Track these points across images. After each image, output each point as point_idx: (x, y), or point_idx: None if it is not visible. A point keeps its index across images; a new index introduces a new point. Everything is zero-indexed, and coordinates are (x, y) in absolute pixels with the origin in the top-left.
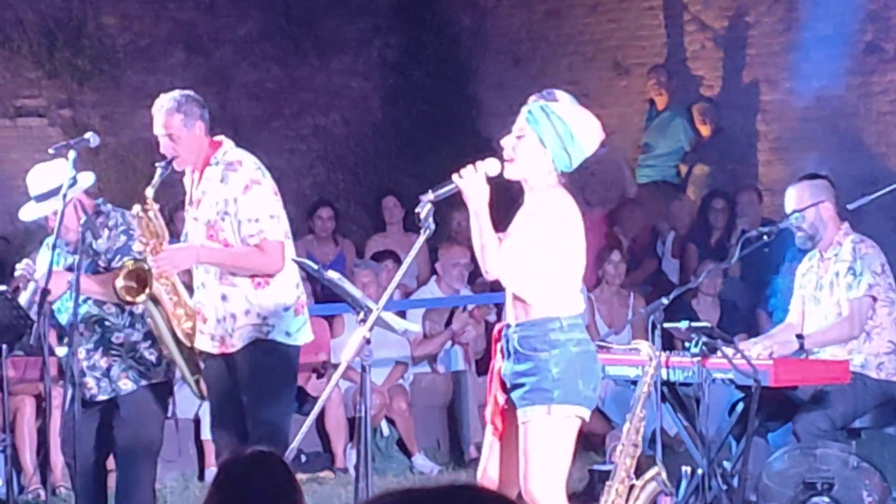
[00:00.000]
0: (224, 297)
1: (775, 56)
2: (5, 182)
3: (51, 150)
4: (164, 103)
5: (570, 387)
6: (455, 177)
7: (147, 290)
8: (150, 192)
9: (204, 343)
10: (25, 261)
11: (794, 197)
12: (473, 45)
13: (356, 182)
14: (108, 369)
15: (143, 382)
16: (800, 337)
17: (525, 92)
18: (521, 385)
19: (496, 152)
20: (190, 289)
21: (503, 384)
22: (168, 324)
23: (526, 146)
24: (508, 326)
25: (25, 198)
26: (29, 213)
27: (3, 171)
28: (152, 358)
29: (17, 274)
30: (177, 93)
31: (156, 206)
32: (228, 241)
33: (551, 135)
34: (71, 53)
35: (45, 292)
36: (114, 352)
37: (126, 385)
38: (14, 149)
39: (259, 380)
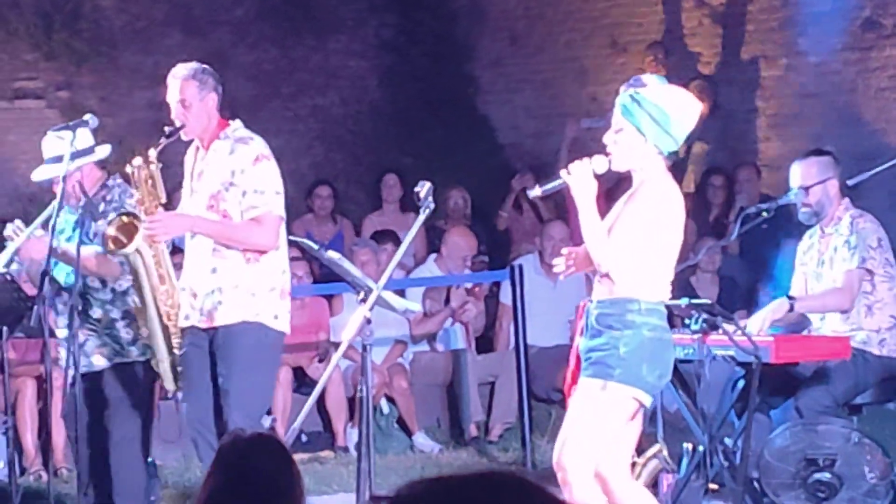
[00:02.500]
0: (214, 270)
1: (773, 32)
2: (4, 164)
3: (49, 133)
4: (180, 71)
5: (633, 369)
6: (563, 172)
7: (134, 242)
8: (153, 152)
9: (192, 317)
10: (17, 221)
11: (799, 173)
12: (470, 24)
13: (354, 161)
14: (83, 344)
15: (117, 360)
16: (791, 298)
17: (523, 70)
18: (589, 359)
19: (493, 131)
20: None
21: (579, 361)
22: (153, 294)
23: (625, 138)
24: (591, 302)
25: (24, 179)
26: (39, 173)
27: (2, 153)
28: (128, 337)
29: (5, 233)
30: (194, 63)
31: (158, 165)
32: (228, 213)
33: (648, 122)
34: (68, 35)
35: (45, 274)
36: (90, 326)
37: (99, 361)
38: (12, 131)
39: (242, 361)
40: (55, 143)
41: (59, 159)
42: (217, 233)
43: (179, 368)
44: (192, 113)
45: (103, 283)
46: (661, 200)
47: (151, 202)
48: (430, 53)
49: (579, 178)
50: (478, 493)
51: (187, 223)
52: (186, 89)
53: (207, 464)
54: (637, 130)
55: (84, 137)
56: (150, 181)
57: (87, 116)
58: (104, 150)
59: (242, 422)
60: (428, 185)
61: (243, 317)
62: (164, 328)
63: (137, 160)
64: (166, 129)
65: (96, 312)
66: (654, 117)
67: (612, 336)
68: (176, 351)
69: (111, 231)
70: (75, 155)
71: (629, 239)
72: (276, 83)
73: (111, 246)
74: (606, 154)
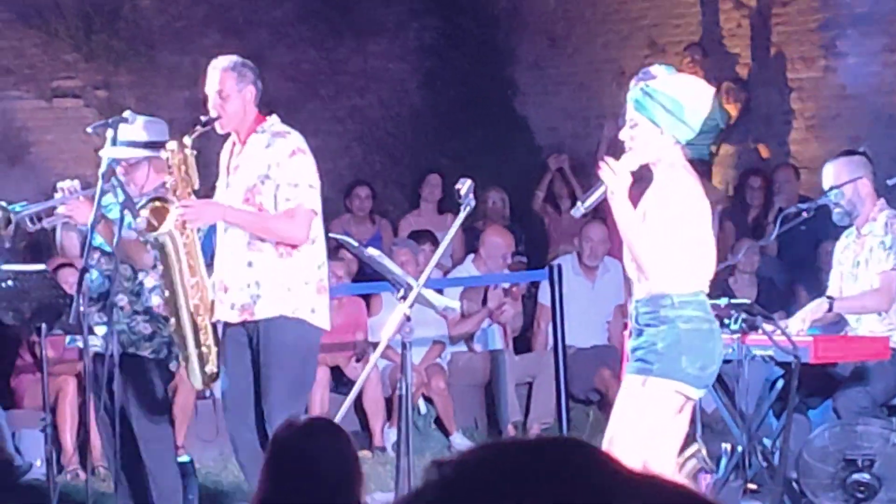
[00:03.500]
0: (250, 264)
1: (812, 34)
2: (42, 163)
3: (89, 129)
4: (220, 62)
5: (671, 362)
6: (600, 173)
7: (166, 223)
8: (188, 139)
9: (224, 312)
10: (75, 182)
11: (831, 173)
12: (510, 26)
13: (393, 163)
14: (103, 326)
15: (130, 350)
16: (830, 298)
17: (562, 72)
18: (634, 357)
19: (532, 132)
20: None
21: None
22: (182, 284)
23: (641, 132)
24: (634, 301)
25: (62, 178)
26: (112, 151)
27: (40, 152)
28: (145, 332)
29: (59, 185)
30: (232, 56)
31: (193, 152)
32: (263, 207)
33: (662, 113)
34: (107, 35)
35: (84, 271)
36: (113, 313)
37: (111, 348)
38: (50, 130)
39: (278, 358)
40: (139, 128)
41: (136, 144)
42: (249, 223)
43: (210, 366)
44: (230, 104)
45: (134, 274)
46: (682, 192)
47: (184, 188)
48: (469, 56)
49: (614, 177)
50: (544, 458)
51: (219, 211)
52: (225, 80)
53: (244, 460)
54: (652, 123)
55: (159, 132)
56: (183, 167)
57: (126, 113)
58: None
59: (280, 417)
60: (468, 182)
61: (281, 311)
62: (193, 321)
63: (172, 144)
64: (202, 118)
65: (120, 300)
66: (667, 108)
67: (651, 333)
68: (204, 347)
69: (144, 214)
70: (148, 144)
71: (656, 234)
72: (314, 84)
73: (143, 229)
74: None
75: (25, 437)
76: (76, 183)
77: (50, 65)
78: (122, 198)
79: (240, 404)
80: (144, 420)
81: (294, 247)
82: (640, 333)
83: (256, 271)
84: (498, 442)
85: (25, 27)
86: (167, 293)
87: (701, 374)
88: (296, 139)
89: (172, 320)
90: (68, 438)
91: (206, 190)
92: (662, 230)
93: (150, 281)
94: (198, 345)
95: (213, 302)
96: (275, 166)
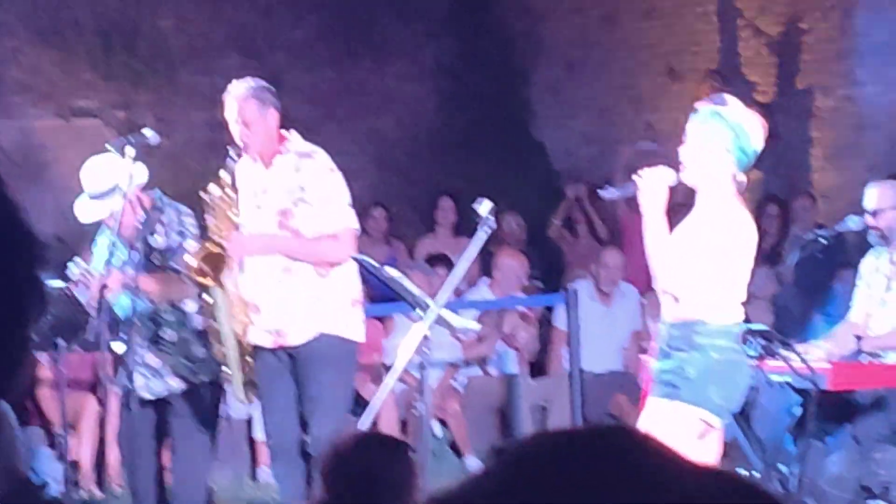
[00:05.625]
0: (286, 287)
1: (831, 62)
2: (60, 182)
3: (108, 146)
4: (238, 90)
5: (699, 390)
6: (636, 178)
7: (221, 273)
8: (224, 174)
9: (258, 336)
10: (81, 265)
11: (875, 195)
12: (527, 50)
13: (409, 185)
14: (160, 367)
15: (194, 380)
16: (858, 338)
17: (579, 96)
18: (660, 380)
19: (549, 156)
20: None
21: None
22: (230, 317)
23: (706, 153)
24: (662, 325)
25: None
26: (87, 213)
27: (58, 171)
28: (200, 355)
29: (72, 276)
30: (249, 80)
31: (232, 193)
32: (300, 230)
33: (732, 140)
34: (126, 55)
35: (104, 287)
36: (165, 349)
37: (177, 383)
38: (69, 149)
39: (324, 376)
40: (96, 176)
41: (102, 195)
42: (294, 250)
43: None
44: (255, 132)
45: (172, 304)
46: (730, 220)
47: (227, 227)
48: (486, 79)
49: (651, 184)
50: (600, 445)
51: (263, 243)
52: (247, 109)
53: (282, 477)
54: (716, 145)
55: (121, 167)
56: (225, 206)
57: (145, 130)
58: (142, 173)
59: (327, 434)
60: (487, 202)
61: (321, 329)
62: (240, 345)
63: (215, 189)
64: (231, 150)
65: (168, 334)
66: (735, 133)
67: (680, 358)
68: (248, 357)
69: (195, 263)
70: (121, 187)
71: (699, 260)
72: (332, 105)
73: (196, 277)
74: (678, 168)
75: (42, 455)
76: (82, 263)
77: (69, 84)
78: (111, 239)
79: (282, 422)
80: (195, 444)
81: (333, 265)
82: (667, 356)
83: (294, 293)
84: (555, 430)
85: (44, 46)
86: (213, 324)
87: (726, 404)
88: (323, 158)
89: (216, 345)
90: (86, 456)
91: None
92: (705, 256)
93: (191, 305)
94: (243, 365)
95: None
96: (309, 189)
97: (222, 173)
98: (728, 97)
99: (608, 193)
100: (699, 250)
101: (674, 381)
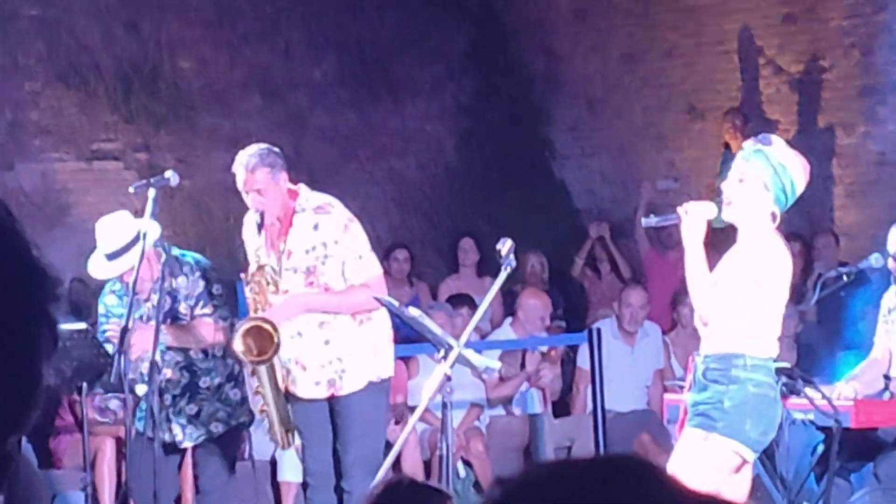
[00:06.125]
0: (326, 342)
1: (851, 100)
2: (81, 225)
3: (131, 189)
4: (247, 162)
5: (736, 423)
6: (680, 210)
7: (272, 352)
8: (263, 255)
9: (307, 390)
10: (113, 321)
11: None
12: (547, 89)
13: (430, 225)
14: (197, 414)
15: (233, 423)
16: (887, 378)
17: (600, 135)
18: (695, 411)
19: (570, 195)
20: None
21: (686, 414)
22: (273, 377)
23: (747, 190)
24: (698, 356)
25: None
26: (102, 271)
27: (80, 213)
28: (237, 398)
29: (107, 335)
30: (254, 148)
31: (270, 269)
32: (329, 286)
33: (772, 178)
34: (147, 97)
35: (125, 330)
36: (201, 396)
37: (217, 428)
38: (90, 192)
39: (370, 422)
40: (110, 235)
41: (117, 254)
42: (332, 306)
43: (289, 430)
44: (269, 197)
45: (205, 353)
46: (770, 256)
47: (266, 303)
48: (506, 118)
49: (694, 217)
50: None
51: (301, 304)
52: (259, 180)
53: None
54: (761, 184)
55: (136, 226)
56: (264, 283)
57: (168, 173)
58: (155, 230)
59: (363, 479)
60: (509, 242)
61: (368, 378)
62: (280, 396)
63: (255, 271)
64: (255, 218)
65: (205, 382)
66: (778, 174)
67: (718, 390)
68: (290, 416)
69: (240, 342)
70: (136, 244)
71: (737, 293)
72: (353, 146)
73: (244, 357)
74: (718, 204)
75: (63, 499)
76: (115, 322)
77: (90, 126)
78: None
79: (322, 466)
80: (221, 482)
81: (370, 310)
82: (704, 388)
83: (336, 347)
84: (560, 460)
85: (65, 89)
86: (257, 382)
87: (761, 438)
88: (339, 211)
89: (261, 399)
90: (107, 497)
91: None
92: (745, 290)
93: (218, 348)
94: (284, 417)
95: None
96: (332, 244)
97: (261, 253)
98: (774, 137)
99: (650, 221)
100: (737, 283)
101: (710, 412)
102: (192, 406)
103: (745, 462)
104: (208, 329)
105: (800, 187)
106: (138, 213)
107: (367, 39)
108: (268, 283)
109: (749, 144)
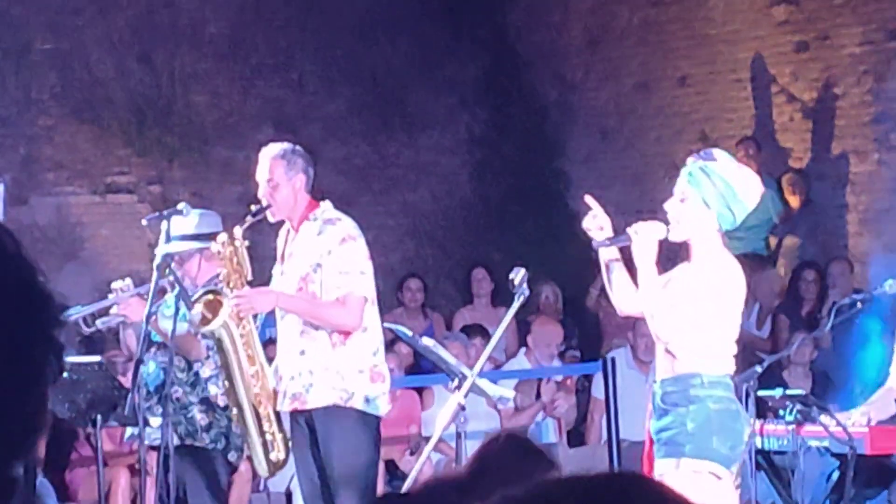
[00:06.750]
0: (302, 352)
1: (865, 127)
2: (96, 258)
3: (144, 222)
4: (271, 150)
5: (703, 442)
6: (630, 230)
7: (220, 316)
8: (238, 230)
9: (280, 402)
10: (128, 280)
11: None
12: (561, 119)
13: (445, 257)
14: (161, 418)
15: (188, 441)
16: None
17: (614, 165)
18: (660, 440)
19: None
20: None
21: (652, 442)
22: (241, 374)
23: (689, 208)
24: (655, 383)
25: (116, 273)
26: (166, 247)
27: (94, 246)
28: (203, 423)
29: (113, 286)
30: (284, 143)
31: (244, 243)
32: (317, 295)
33: (713, 195)
34: (160, 131)
35: (139, 362)
36: (169, 404)
37: (176, 439)
38: (104, 225)
39: (341, 450)
40: (190, 222)
41: (190, 238)
42: (302, 310)
43: (275, 454)
44: (280, 194)
45: (189, 366)
46: (719, 273)
47: (237, 279)
48: (520, 149)
49: (644, 238)
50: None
51: (272, 299)
52: (275, 169)
53: None
54: (702, 201)
55: (209, 224)
56: (234, 258)
57: (180, 205)
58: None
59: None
60: (522, 271)
61: (333, 400)
62: (255, 410)
63: (222, 236)
64: (252, 207)
65: (175, 392)
66: (720, 191)
67: (679, 413)
68: (268, 435)
69: (197, 308)
70: (197, 236)
71: (688, 313)
72: (367, 178)
73: (198, 322)
74: (667, 223)
75: None
76: (128, 282)
77: (103, 160)
78: (177, 290)
79: (312, 489)
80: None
81: (347, 335)
82: (664, 414)
83: (309, 360)
84: (564, 477)
85: (79, 122)
86: (226, 383)
87: (731, 453)
88: (346, 226)
89: (234, 410)
90: None
91: (264, 280)
92: (695, 309)
93: (206, 371)
94: (261, 433)
95: (274, 390)
96: (326, 254)
97: (237, 229)
98: (717, 152)
99: (602, 243)
100: (688, 302)
101: (675, 437)
102: (158, 407)
103: (719, 479)
104: (198, 346)
105: (749, 201)
106: (151, 246)
107: (381, 71)
108: (236, 252)
109: (690, 161)
